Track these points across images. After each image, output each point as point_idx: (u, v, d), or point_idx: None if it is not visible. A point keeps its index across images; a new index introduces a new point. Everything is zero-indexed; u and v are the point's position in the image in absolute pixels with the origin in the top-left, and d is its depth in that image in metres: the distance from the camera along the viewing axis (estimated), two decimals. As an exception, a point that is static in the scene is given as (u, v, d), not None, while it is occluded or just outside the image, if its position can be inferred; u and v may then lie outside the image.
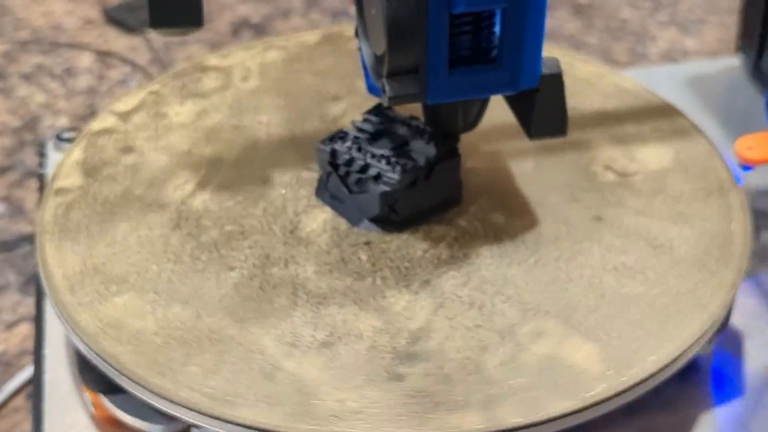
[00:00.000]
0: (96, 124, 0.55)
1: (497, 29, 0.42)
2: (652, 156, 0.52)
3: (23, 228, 0.72)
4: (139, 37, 0.91)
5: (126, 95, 0.57)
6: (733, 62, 0.66)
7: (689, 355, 0.43)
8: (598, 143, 0.53)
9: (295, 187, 0.50)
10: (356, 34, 0.46)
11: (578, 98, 0.56)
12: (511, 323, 0.44)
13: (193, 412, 0.40)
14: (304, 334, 0.43)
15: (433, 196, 0.48)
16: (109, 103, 0.85)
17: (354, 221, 0.48)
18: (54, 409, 0.45)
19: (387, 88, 0.42)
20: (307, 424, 0.40)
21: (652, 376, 0.42)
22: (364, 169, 0.48)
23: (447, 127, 0.48)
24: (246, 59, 0.58)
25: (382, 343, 0.43)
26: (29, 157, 0.79)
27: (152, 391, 0.41)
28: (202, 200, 0.50)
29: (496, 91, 0.44)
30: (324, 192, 0.50)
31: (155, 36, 0.91)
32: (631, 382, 0.41)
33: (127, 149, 0.53)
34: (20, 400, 0.61)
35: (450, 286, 0.45)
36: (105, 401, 0.44)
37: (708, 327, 0.44)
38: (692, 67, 0.70)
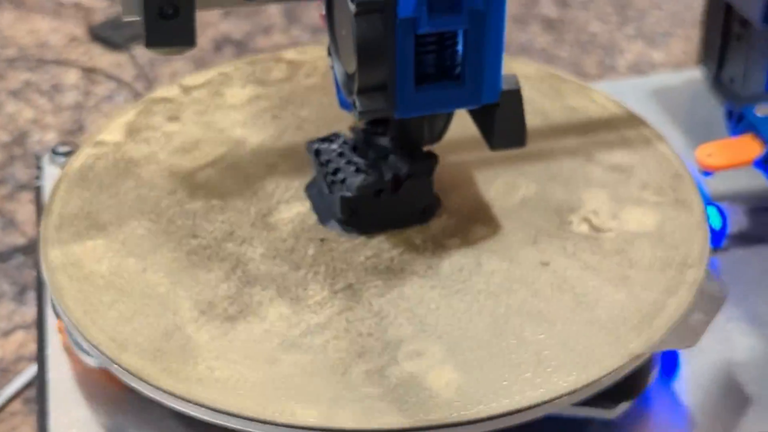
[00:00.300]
0: (159, 92, 0.60)
1: (460, 48, 0.45)
2: (635, 217, 0.52)
3: (16, 240, 0.75)
4: (124, 53, 0.94)
5: (200, 72, 0.62)
6: (695, 74, 0.69)
7: (542, 411, 0.43)
8: (587, 192, 0.54)
9: (293, 178, 0.53)
10: (329, 53, 0.49)
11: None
12: (399, 338, 0.46)
13: (97, 351, 0.45)
14: (219, 306, 0.47)
15: (402, 210, 0.51)
16: (96, 118, 0.88)
17: (323, 219, 0.51)
18: (58, 407, 0.47)
19: (357, 103, 0.45)
20: (173, 380, 0.44)
21: (493, 418, 0.43)
22: (336, 172, 0.51)
23: (414, 140, 0.50)
24: (319, 58, 0.62)
25: (278, 329, 0.46)
26: (20, 171, 0.81)
27: (75, 326, 0.46)
28: (207, 173, 0.54)
29: (459, 106, 0.47)
30: (312, 188, 0.53)
31: (140, 52, 0.93)
32: (472, 417, 0.42)
33: (173, 118, 0.58)
34: (17, 405, 0.64)
35: (368, 294, 0.48)
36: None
37: (578, 389, 0.44)
38: (657, 79, 0.73)
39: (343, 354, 0.45)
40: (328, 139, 0.52)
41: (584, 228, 0.51)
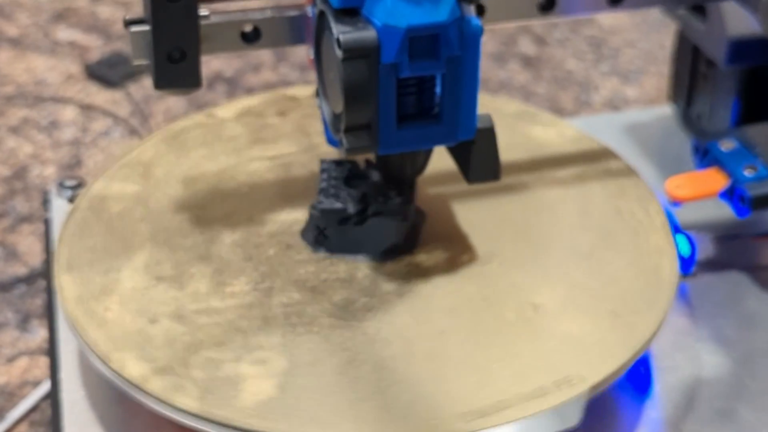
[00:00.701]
0: (183, 122, 0.64)
1: (438, 90, 0.49)
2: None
3: (18, 270, 0.78)
4: (119, 90, 0.97)
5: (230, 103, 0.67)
6: (666, 111, 0.73)
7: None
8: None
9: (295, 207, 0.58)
10: (317, 94, 0.53)
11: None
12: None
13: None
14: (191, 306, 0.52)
15: (369, 243, 0.54)
16: (94, 153, 0.91)
17: (303, 231, 0.56)
18: (72, 428, 0.51)
19: (344, 141, 0.49)
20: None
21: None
22: (322, 191, 0.55)
23: (398, 174, 0.54)
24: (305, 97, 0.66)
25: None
26: (21, 204, 0.84)
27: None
28: (218, 203, 0.58)
29: (437, 143, 0.51)
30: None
31: (135, 89, 0.97)
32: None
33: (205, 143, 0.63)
34: (24, 427, 0.67)
35: (313, 310, 0.52)
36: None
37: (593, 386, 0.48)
38: (630, 115, 0.77)
39: None
40: (338, 162, 0.56)
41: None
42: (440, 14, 0.47)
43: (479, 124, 0.51)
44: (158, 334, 0.50)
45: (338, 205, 0.54)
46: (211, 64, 1.00)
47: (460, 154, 0.52)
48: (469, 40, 0.48)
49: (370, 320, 0.51)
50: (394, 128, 0.49)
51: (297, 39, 0.54)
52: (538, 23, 1.07)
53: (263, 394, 0.47)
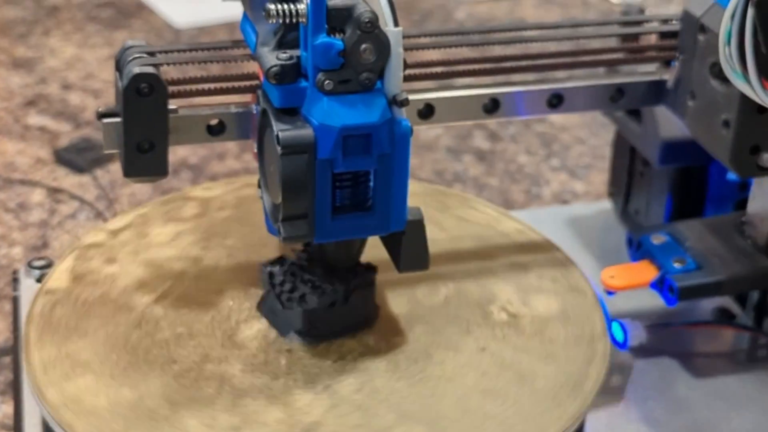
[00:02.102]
0: (88, 238, 0.65)
1: (372, 184, 0.53)
2: (542, 303, 0.61)
3: (24, 357, 0.80)
4: (86, 175, 1.00)
5: (118, 216, 0.68)
6: (606, 205, 0.77)
7: None
8: (497, 285, 0.62)
9: (242, 300, 0.60)
10: (259, 186, 0.56)
11: (477, 234, 0.67)
12: (386, 426, 0.53)
13: None
14: (221, 419, 0.53)
15: (351, 317, 0.58)
16: (59, 234, 0.94)
17: (283, 332, 0.58)
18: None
19: (282, 230, 0.53)
20: None
21: None
22: (292, 290, 0.58)
23: (333, 261, 0.58)
24: (226, 193, 0.69)
25: (281, 430, 0.53)
26: (-10, 284, 0.86)
27: None
28: (162, 306, 0.60)
29: (370, 233, 0.55)
30: (264, 305, 0.60)
31: (102, 174, 1.00)
32: None
33: (110, 260, 0.63)
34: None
35: (346, 391, 0.55)
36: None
37: None
38: (574, 209, 0.81)
39: None
40: (277, 262, 0.60)
41: (504, 316, 0.59)
42: (372, 116, 0.51)
43: (409, 217, 0.54)
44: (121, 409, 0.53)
45: (328, 291, 0.57)
46: (177, 151, 1.04)
47: (391, 245, 0.56)
48: (399, 140, 0.52)
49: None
50: (329, 219, 0.53)
51: (259, 133, 0.58)
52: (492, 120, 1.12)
53: None
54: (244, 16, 0.56)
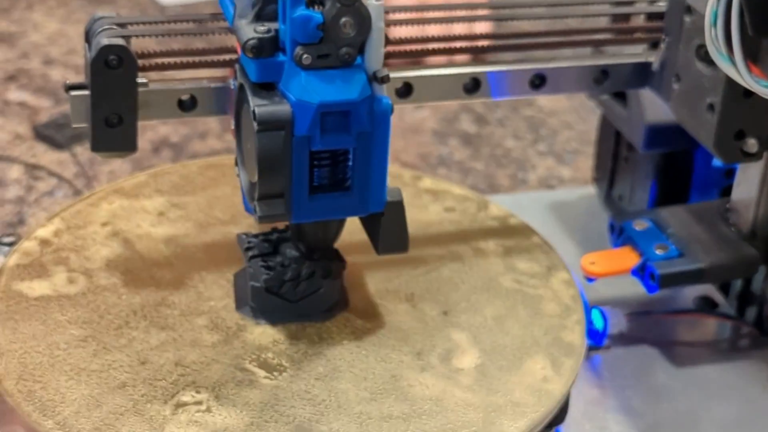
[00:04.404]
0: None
1: (351, 163, 0.52)
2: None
3: None
4: (66, 152, 0.99)
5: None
6: (590, 191, 0.76)
7: None
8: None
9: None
10: (236, 163, 0.55)
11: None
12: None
13: None
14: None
15: (305, 305, 0.56)
16: (36, 211, 0.92)
17: (239, 305, 0.57)
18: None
19: (258, 209, 0.51)
20: None
21: None
22: (253, 264, 0.56)
23: (311, 242, 0.56)
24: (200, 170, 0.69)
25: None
26: (-39, 260, 0.85)
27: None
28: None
29: (348, 214, 0.54)
30: (240, 276, 0.58)
31: (81, 151, 0.99)
32: None
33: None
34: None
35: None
36: None
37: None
38: (557, 194, 0.80)
39: None
40: (259, 235, 0.58)
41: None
42: (351, 92, 0.50)
43: (389, 198, 0.53)
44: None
45: (274, 273, 0.56)
46: (158, 129, 1.02)
47: (370, 226, 0.54)
48: (380, 118, 0.51)
49: None
50: (306, 198, 0.51)
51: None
52: (479, 103, 1.11)
53: None
54: (222, -13, 0.55)
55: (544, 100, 1.13)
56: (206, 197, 0.65)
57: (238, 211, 0.63)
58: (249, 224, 0.62)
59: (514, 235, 0.64)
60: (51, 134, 1.01)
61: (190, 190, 0.66)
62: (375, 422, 0.52)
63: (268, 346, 0.55)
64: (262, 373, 0.54)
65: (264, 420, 0.51)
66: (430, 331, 0.57)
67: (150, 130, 1.02)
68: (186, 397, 0.52)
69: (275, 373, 0.54)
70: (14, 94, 1.07)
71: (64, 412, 0.50)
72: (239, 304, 0.57)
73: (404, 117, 1.09)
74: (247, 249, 0.57)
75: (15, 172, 0.97)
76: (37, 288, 0.57)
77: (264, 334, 0.56)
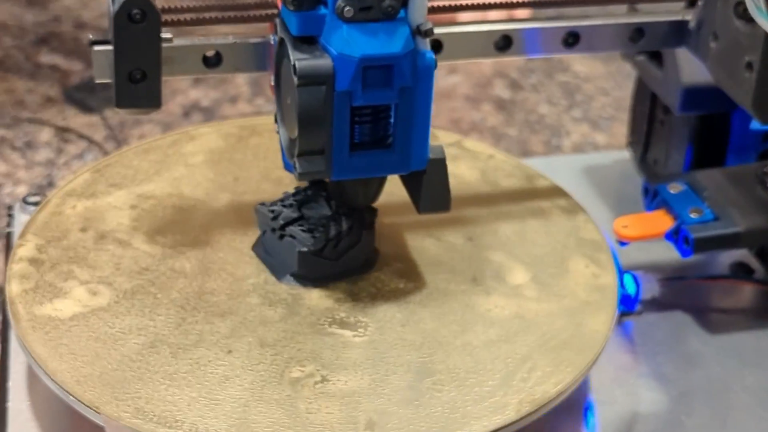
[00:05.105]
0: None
1: (392, 120, 0.51)
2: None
3: (5, 284, 0.79)
4: (96, 115, 0.98)
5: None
6: (625, 155, 0.74)
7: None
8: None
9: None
10: (276, 120, 0.54)
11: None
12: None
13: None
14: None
15: (347, 262, 0.55)
16: (66, 174, 0.92)
17: (278, 275, 0.56)
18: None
19: (297, 165, 0.50)
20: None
21: None
22: (284, 231, 0.55)
23: (350, 201, 0.55)
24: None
25: None
26: (-5, 220, 0.85)
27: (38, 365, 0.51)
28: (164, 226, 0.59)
29: (389, 172, 0.53)
30: (259, 248, 0.57)
31: (111, 115, 0.98)
32: None
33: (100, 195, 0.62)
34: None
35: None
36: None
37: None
38: (591, 158, 0.78)
39: None
40: (277, 202, 0.57)
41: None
42: (394, 46, 0.49)
43: (431, 155, 0.52)
44: (103, 348, 0.51)
45: (270, 211, 0.55)
46: (189, 93, 1.02)
47: (412, 184, 0.53)
48: (423, 73, 0.50)
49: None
50: (346, 155, 0.50)
51: (258, 66, 0.56)
52: (513, 68, 1.09)
53: None
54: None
55: (579, 65, 1.11)
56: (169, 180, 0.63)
57: (209, 188, 0.62)
58: (228, 199, 0.61)
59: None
60: (82, 97, 1.00)
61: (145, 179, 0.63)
62: (482, 349, 0.52)
63: (335, 307, 0.54)
64: (348, 332, 0.53)
65: (383, 374, 0.51)
66: (468, 258, 0.58)
67: (180, 94, 1.02)
68: (295, 374, 0.51)
69: (360, 330, 0.53)
70: (46, 57, 1.07)
71: (187, 419, 0.48)
72: (279, 275, 0.56)
73: (436, 82, 1.07)
74: (275, 218, 0.56)
75: (45, 134, 0.97)
76: (64, 308, 0.53)
77: (322, 297, 0.55)
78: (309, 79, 0.48)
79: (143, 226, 0.59)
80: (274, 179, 0.62)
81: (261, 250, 0.57)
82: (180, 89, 1.02)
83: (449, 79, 1.08)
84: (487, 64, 1.09)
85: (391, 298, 0.55)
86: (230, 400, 0.49)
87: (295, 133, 0.50)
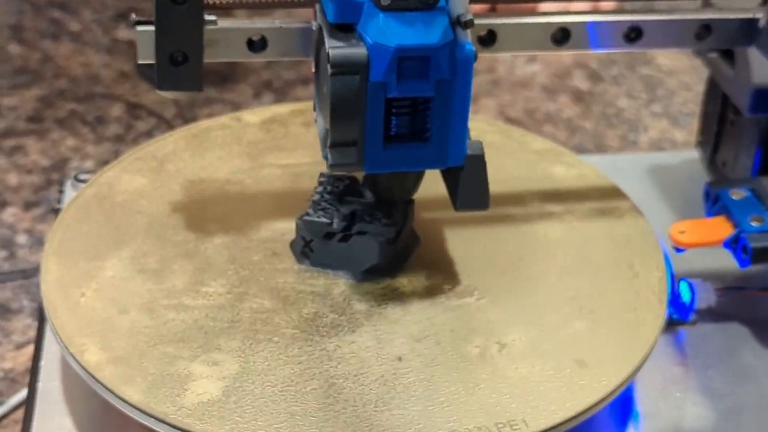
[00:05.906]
0: (207, 122, 0.66)
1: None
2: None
3: (42, 259, 0.79)
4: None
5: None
6: (695, 155, 0.71)
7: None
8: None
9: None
10: (314, 108, 0.53)
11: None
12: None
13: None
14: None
15: (351, 261, 0.54)
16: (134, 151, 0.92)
17: (293, 243, 0.55)
18: (43, 415, 0.51)
19: (329, 156, 0.49)
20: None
21: None
22: (311, 204, 0.54)
23: (386, 195, 0.54)
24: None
25: None
26: (54, 195, 0.86)
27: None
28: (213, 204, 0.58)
29: (425, 166, 0.51)
30: (306, 259, 0.55)
31: (182, 93, 0.98)
32: None
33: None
34: (21, 413, 0.68)
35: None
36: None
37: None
38: (658, 157, 0.76)
39: None
40: (338, 177, 0.55)
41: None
42: (432, 37, 0.47)
43: (469, 151, 0.50)
44: (124, 325, 0.50)
45: (324, 219, 0.54)
46: (261, 74, 1.01)
47: (450, 180, 0.52)
48: (461, 65, 0.48)
49: (332, 337, 0.50)
50: (380, 148, 0.49)
51: (304, 51, 0.54)
52: (594, 59, 1.06)
53: (207, 395, 0.47)
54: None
55: (663, 58, 1.08)
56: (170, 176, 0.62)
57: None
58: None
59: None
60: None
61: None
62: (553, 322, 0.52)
63: (437, 284, 0.54)
64: (471, 299, 0.53)
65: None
66: (496, 239, 0.57)
67: (253, 74, 1.01)
68: (473, 351, 0.51)
69: (477, 294, 0.54)
70: (123, 33, 1.08)
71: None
72: (355, 271, 0.54)
73: (514, 71, 1.05)
74: (330, 223, 0.54)
75: (117, 110, 0.97)
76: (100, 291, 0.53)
77: (411, 280, 0.54)
78: (342, 68, 0.47)
79: (194, 213, 0.58)
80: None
81: (315, 261, 0.55)
82: (252, 69, 1.02)
83: (527, 68, 1.06)
84: (568, 53, 1.07)
85: (460, 271, 0.55)
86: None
87: (329, 123, 0.49)
